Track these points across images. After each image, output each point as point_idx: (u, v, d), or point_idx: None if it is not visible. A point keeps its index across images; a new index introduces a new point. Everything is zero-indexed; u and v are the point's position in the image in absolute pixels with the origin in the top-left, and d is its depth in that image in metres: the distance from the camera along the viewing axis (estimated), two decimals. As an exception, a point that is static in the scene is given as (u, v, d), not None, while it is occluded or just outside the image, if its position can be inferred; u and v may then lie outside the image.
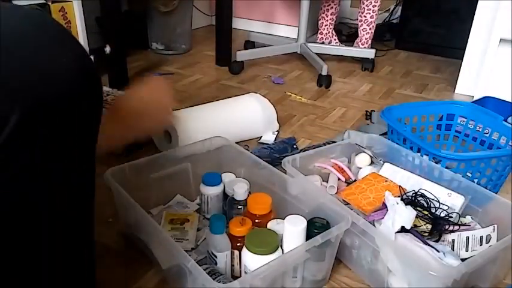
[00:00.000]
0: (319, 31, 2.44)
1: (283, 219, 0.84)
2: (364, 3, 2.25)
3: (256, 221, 0.88)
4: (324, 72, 1.97)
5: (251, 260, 0.78)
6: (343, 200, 0.99)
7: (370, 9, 2.25)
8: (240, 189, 0.95)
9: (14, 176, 0.45)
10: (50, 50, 0.46)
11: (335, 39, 2.47)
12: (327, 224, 0.84)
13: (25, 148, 0.44)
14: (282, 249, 0.81)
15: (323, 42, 2.43)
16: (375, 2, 2.23)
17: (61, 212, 0.54)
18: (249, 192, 0.98)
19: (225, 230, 0.84)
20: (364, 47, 2.30)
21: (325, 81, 1.98)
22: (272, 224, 0.87)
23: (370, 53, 2.21)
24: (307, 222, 0.82)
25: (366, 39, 2.30)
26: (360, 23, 2.30)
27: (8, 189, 0.46)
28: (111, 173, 0.93)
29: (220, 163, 1.11)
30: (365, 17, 2.27)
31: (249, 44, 2.43)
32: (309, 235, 0.81)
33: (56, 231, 0.55)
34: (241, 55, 2.08)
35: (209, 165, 1.07)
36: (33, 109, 0.43)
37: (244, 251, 0.79)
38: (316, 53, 2.11)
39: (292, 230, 0.81)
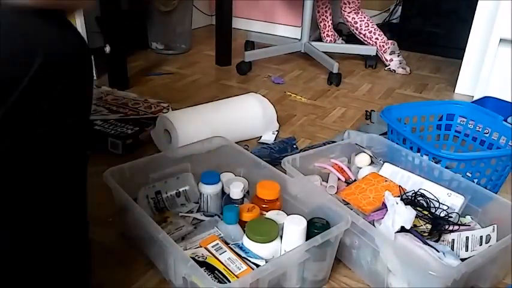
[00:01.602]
0: (325, 33, 2.45)
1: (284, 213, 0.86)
2: (355, 24, 2.26)
3: (264, 205, 0.91)
4: (335, 70, 1.98)
5: (251, 248, 0.80)
6: (343, 200, 0.99)
7: (364, 22, 2.26)
8: (235, 188, 0.95)
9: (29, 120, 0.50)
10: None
11: (339, 38, 2.49)
12: (326, 224, 0.84)
13: (42, 96, 0.50)
14: (281, 244, 0.82)
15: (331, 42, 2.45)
16: (360, 17, 2.24)
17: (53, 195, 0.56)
18: (247, 192, 0.98)
19: (237, 220, 0.86)
20: (385, 49, 2.25)
21: (335, 79, 1.99)
22: (272, 214, 0.88)
23: (372, 50, 2.23)
24: (307, 222, 0.83)
25: (381, 45, 2.26)
26: (366, 39, 2.28)
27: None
28: (111, 173, 0.93)
29: (220, 163, 1.11)
30: (364, 31, 2.26)
31: (249, 44, 2.43)
32: (309, 235, 0.81)
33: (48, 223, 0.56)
34: (250, 55, 2.07)
35: (209, 165, 1.07)
36: (50, 58, 0.50)
37: (245, 238, 0.81)
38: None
39: (292, 230, 0.81)
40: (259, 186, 0.92)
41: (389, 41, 2.26)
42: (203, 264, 0.77)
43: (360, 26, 2.26)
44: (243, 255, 0.80)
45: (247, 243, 0.81)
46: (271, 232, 0.81)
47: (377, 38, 2.25)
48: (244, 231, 0.84)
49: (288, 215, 0.86)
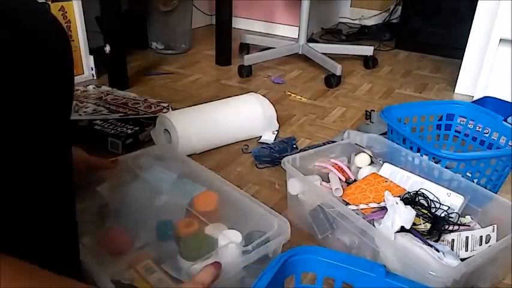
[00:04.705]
0: None
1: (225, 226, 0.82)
2: None
3: (202, 218, 0.86)
4: (339, 73, 1.96)
5: (186, 267, 0.74)
6: (343, 200, 0.99)
7: None
8: None
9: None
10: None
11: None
12: (265, 238, 0.79)
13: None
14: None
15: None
16: None
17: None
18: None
19: (172, 236, 0.81)
20: None
21: (336, 81, 1.98)
22: (212, 228, 0.83)
23: (369, 50, 2.23)
24: (246, 235, 0.79)
25: None
26: None
27: None
28: None
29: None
30: None
31: (244, 46, 2.40)
32: (247, 250, 0.76)
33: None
34: (248, 59, 2.05)
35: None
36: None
37: (179, 257, 0.76)
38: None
39: (227, 247, 0.76)
40: (196, 198, 0.88)
41: None
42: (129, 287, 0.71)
43: None
44: (175, 275, 0.74)
45: (181, 262, 0.76)
46: (206, 249, 0.75)
47: None
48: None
49: (228, 227, 0.82)
